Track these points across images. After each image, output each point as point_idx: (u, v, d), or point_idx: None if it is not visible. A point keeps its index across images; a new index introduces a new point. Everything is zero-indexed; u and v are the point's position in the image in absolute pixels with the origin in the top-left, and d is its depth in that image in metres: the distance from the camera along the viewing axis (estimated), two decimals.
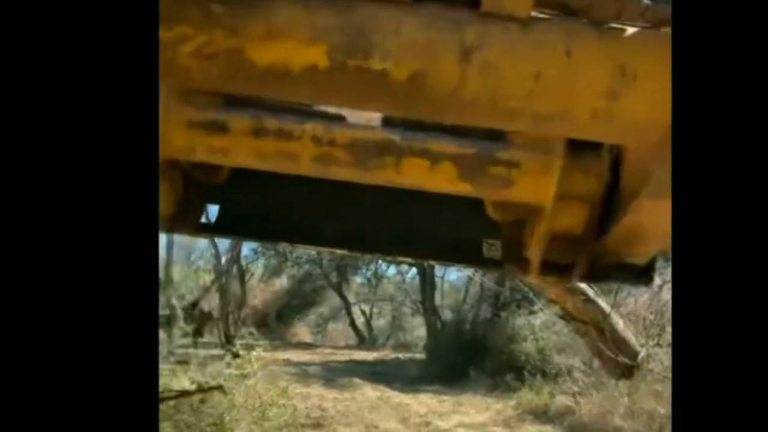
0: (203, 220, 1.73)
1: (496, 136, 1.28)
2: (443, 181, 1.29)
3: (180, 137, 1.28)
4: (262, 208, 1.69)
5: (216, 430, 8.05)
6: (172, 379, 8.89)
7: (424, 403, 10.76)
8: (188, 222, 1.60)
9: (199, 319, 15.67)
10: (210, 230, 1.75)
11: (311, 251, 19.15)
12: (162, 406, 8.08)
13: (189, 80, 1.01)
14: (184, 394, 8.45)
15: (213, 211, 1.75)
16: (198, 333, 14.61)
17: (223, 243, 16.07)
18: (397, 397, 11.12)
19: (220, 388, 8.27)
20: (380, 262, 20.90)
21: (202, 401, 8.40)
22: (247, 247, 17.58)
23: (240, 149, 1.28)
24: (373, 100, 1.04)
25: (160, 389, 8.42)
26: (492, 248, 1.66)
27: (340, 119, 1.29)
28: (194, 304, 16.44)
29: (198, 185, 1.56)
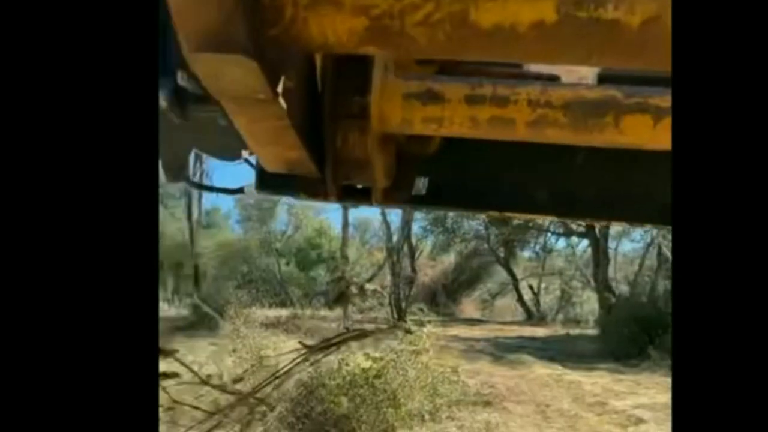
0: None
1: None
2: (668, 138, 1.17)
3: (396, 110, 1.27)
4: (471, 177, 1.65)
5: (390, 404, 8.15)
6: (348, 354, 9.14)
7: (598, 381, 10.21)
8: (401, 195, 1.60)
9: (372, 296, 16.06)
10: (421, 202, 1.70)
11: (479, 227, 19.03)
12: (337, 381, 8.33)
13: (414, 50, 0.98)
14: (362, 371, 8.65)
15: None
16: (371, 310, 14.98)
17: (395, 221, 16.37)
18: (568, 374, 10.64)
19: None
20: (549, 235, 20.37)
21: (377, 376, 8.56)
22: (416, 225, 17.76)
23: (455, 118, 1.26)
24: (604, 54, 0.94)
25: (335, 365, 8.68)
26: None
27: (554, 79, 1.25)
28: (368, 282, 16.86)
29: (409, 158, 1.56)
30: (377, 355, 9.14)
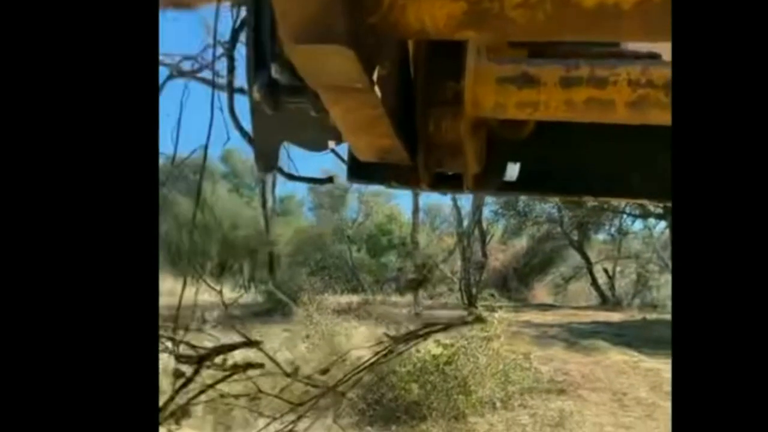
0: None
1: None
2: None
3: (489, 95, 1.25)
4: (565, 161, 1.59)
5: (460, 392, 8.02)
6: (421, 341, 9.03)
7: None
8: (492, 181, 1.57)
9: (442, 282, 15.96)
10: (512, 188, 1.65)
11: (551, 210, 18.57)
12: (408, 368, 8.24)
13: (512, 33, 0.96)
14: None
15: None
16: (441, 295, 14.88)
17: (465, 206, 16.18)
18: (646, 362, 10.19)
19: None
20: (625, 217, 19.70)
21: (447, 363, 8.44)
22: (487, 209, 17.51)
23: (551, 101, 1.23)
24: None
25: (403, 351, 8.60)
26: None
27: (654, 57, 1.21)
28: (438, 267, 16.77)
29: (501, 143, 1.52)
30: (448, 341, 9.02)
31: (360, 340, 9.89)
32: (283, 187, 19.32)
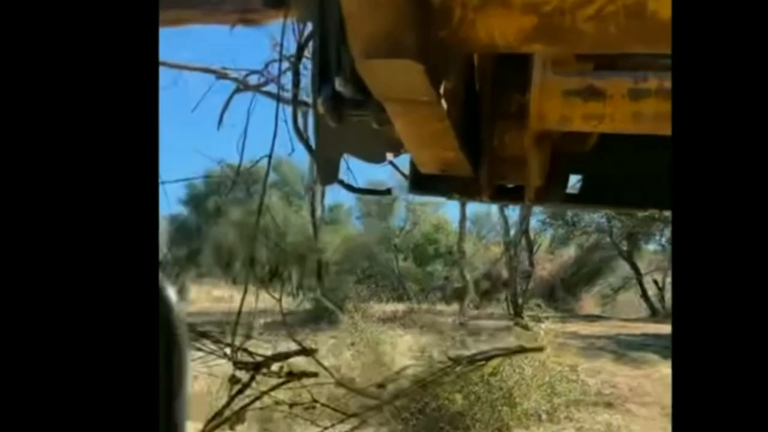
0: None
1: None
2: None
3: (555, 108, 1.24)
4: (628, 173, 1.58)
5: (505, 403, 7.90)
6: (463, 350, 8.96)
7: None
8: (554, 193, 1.56)
9: (488, 291, 15.79)
10: (573, 200, 1.66)
11: (600, 220, 18.18)
12: (452, 377, 8.16)
13: (582, 46, 0.97)
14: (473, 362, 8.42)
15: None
16: (487, 305, 14.72)
17: (513, 215, 15.99)
18: None
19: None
20: None
21: (492, 374, 8.33)
22: (535, 219, 17.27)
23: (617, 114, 1.21)
24: None
25: (452, 359, 8.52)
26: None
27: None
28: (484, 277, 16.61)
29: (564, 155, 1.51)
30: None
31: (404, 349, 9.87)
32: (331, 195, 19.48)
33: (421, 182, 1.55)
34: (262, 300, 6.38)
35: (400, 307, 14.90)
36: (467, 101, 1.23)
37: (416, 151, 1.28)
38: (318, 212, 16.30)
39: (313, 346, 6.75)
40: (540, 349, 7.76)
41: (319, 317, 12.84)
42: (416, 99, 1.01)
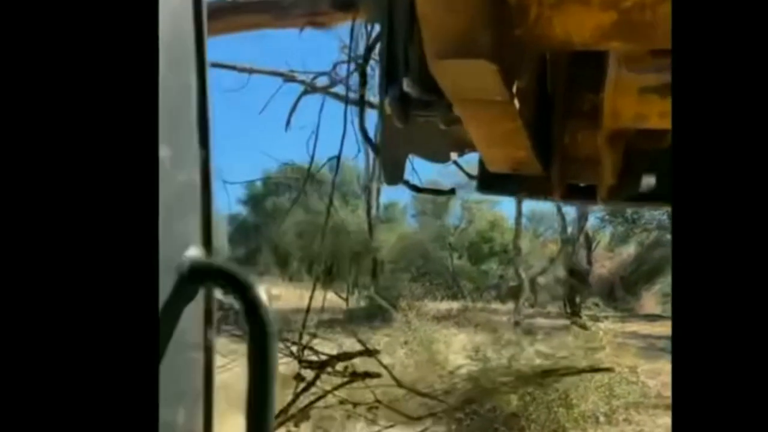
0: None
1: None
2: None
3: (630, 105, 1.21)
4: None
5: (561, 404, 7.67)
6: (520, 351, 8.76)
7: None
8: (627, 193, 1.54)
9: (544, 290, 15.52)
10: (646, 200, 1.62)
11: (661, 217, 17.62)
12: (507, 377, 7.99)
13: (660, 41, 0.92)
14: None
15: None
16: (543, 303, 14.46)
17: (570, 212, 15.67)
18: None
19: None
20: None
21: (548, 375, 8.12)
22: (593, 216, 16.87)
23: None
24: None
25: (505, 361, 8.34)
26: None
27: None
28: (540, 275, 16.34)
29: (638, 153, 1.48)
30: (549, 351, 8.69)
31: (458, 348, 9.73)
32: (386, 194, 19.54)
33: (489, 181, 1.53)
34: (317, 298, 6.41)
35: (455, 305, 14.80)
36: (539, 100, 1.22)
37: (487, 151, 1.27)
38: (373, 211, 16.33)
39: (377, 347, 6.75)
40: (610, 370, 7.54)
41: (373, 315, 12.84)
42: (489, 99, 0.99)
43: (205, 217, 0.68)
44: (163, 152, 0.64)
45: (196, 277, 0.63)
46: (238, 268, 0.63)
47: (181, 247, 0.65)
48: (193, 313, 0.65)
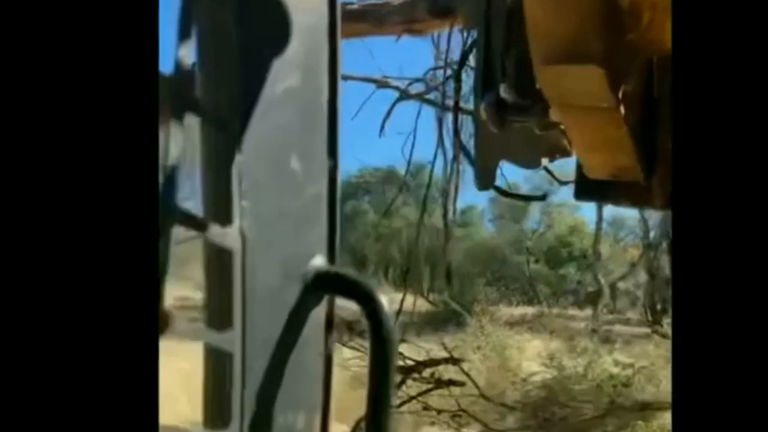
0: None
1: None
2: None
3: None
4: None
5: (639, 417, 7.35)
6: (597, 358, 8.48)
7: None
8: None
9: (624, 296, 14.98)
10: None
11: None
12: (583, 386, 7.74)
13: None
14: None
15: None
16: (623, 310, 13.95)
17: (653, 217, 15.09)
18: None
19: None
20: None
21: (626, 384, 7.81)
22: None
23: None
24: None
25: (581, 370, 8.07)
26: None
27: None
28: (620, 280, 15.78)
29: None
30: (628, 360, 8.36)
31: (532, 354, 9.51)
32: (463, 198, 19.41)
33: (588, 188, 1.46)
34: (395, 301, 6.41)
35: (530, 310, 14.51)
36: (645, 105, 1.18)
37: (587, 157, 1.24)
38: (450, 215, 16.25)
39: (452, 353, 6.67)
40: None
41: (447, 319, 12.75)
42: (594, 105, 0.96)
43: (331, 227, 0.68)
44: (295, 165, 0.64)
45: (320, 285, 0.63)
46: (360, 276, 0.62)
47: (307, 257, 0.65)
48: (315, 320, 0.66)
